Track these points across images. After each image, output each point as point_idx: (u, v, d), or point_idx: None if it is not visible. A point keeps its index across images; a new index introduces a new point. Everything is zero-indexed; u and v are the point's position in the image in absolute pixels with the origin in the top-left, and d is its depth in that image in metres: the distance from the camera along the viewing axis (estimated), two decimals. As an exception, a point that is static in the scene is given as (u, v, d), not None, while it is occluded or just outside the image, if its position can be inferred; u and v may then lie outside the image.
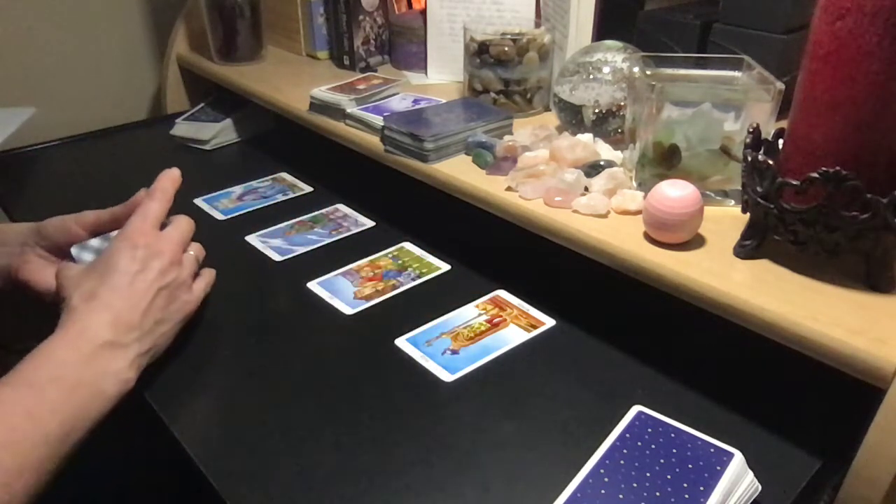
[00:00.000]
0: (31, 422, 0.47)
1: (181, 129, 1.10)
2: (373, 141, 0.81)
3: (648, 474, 0.48)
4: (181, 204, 0.89)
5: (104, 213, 0.64)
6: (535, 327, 0.66)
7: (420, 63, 1.03)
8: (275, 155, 1.06)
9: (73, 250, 0.62)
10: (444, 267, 0.76)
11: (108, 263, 0.57)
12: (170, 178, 0.64)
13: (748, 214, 0.56)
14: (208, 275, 0.65)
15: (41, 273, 0.64)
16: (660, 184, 0.58)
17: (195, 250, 0.64)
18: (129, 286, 0.55)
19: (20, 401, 0.47)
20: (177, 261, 0.60)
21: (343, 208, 0.89)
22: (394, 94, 0.92)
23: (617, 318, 0.67)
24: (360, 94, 0.87)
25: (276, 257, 0.78)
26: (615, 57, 0.75)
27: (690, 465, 0.48)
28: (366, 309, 0.69)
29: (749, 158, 0.54)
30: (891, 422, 0.44)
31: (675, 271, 0.55)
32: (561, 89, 0.78)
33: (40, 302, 0.64)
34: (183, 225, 0.63)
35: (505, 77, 0.85)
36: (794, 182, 0.50)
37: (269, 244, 0.81)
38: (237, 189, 0.95)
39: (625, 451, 0.50)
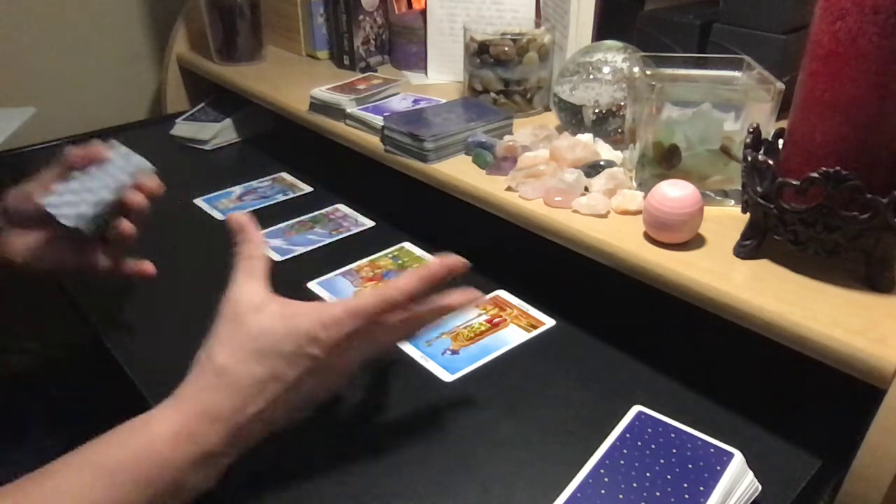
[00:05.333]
0: None
1: (181, 129, 1.10)
2: (373, 141, 0.81)
3: (648, 474, 0.48)
4: (181, 204, 0.90)
5: (59, 168, 0.60)
6: (535, 327, 0.66)
7: (420, 63, 1.03)
8: (275, 155, 1.06)
9: (44, 200, 0.58)
10: (444, 267, 0.76)
11: (274, 350, 0.45)
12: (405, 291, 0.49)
13: (748, 214, 0.56)
14: None
15: (20, 246, 0.60)
16: (660, 184, 0.58)
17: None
18: (273, 397, 0.45)
19: (93, 490, 0.41)
20: (343, 372, 0.49)
21: (343, 208, 0.89)
22: (394, 94, 0.92)
23: (617, 318, 0.67)
24: (360, 94, 0.87)
25: (276, 257, 0.78)
26: (615, 57, 0.75)
27: (690, 465, 0.48)
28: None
29: (749, 158, 0.54)
30: (891, 422, 0.44)
31: (675, 271, 0.55)
32: (561, 89, 0.78)
33: (48, 309, 0.62)
34: (391, 336, 0.51)
35: (505, 77, 0.85)
36: (794, 182, 0.50)
37: (269, 244, 0.81)
38: (237, 189, 0.95)
39: (625, 451, 0.50)
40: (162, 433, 0.43)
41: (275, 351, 0.45)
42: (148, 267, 0.62)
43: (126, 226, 0.60)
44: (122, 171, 0.61)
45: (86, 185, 0.60)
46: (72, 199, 0.58)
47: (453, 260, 0.51)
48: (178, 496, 0.43)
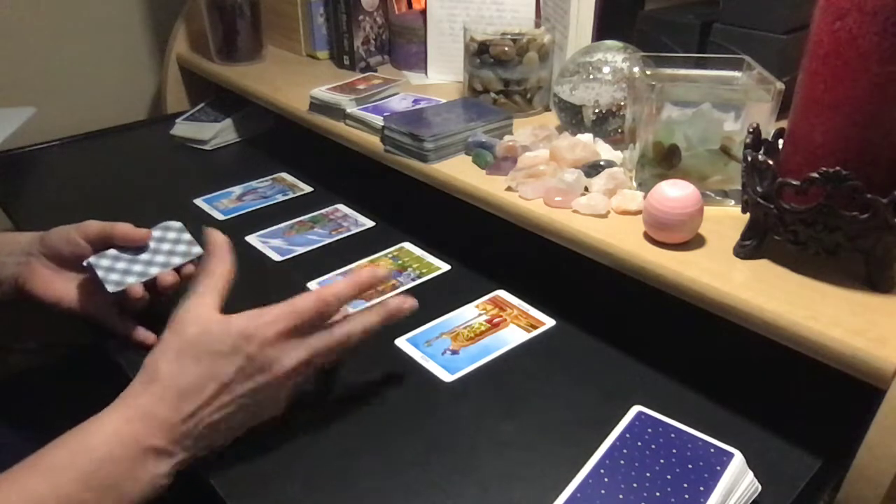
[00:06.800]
0: None
1: (181, 129, 1.10)
2: (373, 141, 0.81)
3: (648, 474, 0.48)
4: (181, 205, 0.90)
5: (107, 225, 0.63)
6: (535, 327, 0.66)
7: (420, 63, 1.03)
8: (275, 155, 1.06)
9: (92, 259, 0.62)
10: (444, 267, 0.76)
11: (209, 350, 0.49)
12: (366, 278, 0.55)
13: (748, 214, 0.56)
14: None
15: (48, 285, 0.63)
16: (660, 184, 0.58)
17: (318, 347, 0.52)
18: (211, 394, 0.48)
19: (35, 489, 0.44)
20: (282, 378, 0.50)
21: (343, 208, 0.89)
22: (394, 94, 0.92)
23: (617, 318, 0.67)
24: (360, 94, 0.87)
25: (276, 257, 0.78)
26: (615, 57, 0.75)
27: (690, 465, 0.48)
28: (366, 309, 0.69)
29: (749, 158, 0.54)
30: (891, 422, 0.44)
31: (675, 271, 0.55)
32: (561, 89, 0.78)
33: (47, 311, 0.63)
34: (327, 340, 0.52)
35: (505, 77, 0.85)
36: (794, 182, 0.50)
37: (269, 244, 0.81)
38: (237, 189, 0.95)
39: (625, 451, 0.50)
40: (101, 433, 0.46)
41: (210, 351, 0.49)
42: (150, 339, 0.63)
43: (144, 295, 0.62)
44: (175, 254, 0.65)
45: (138, 256, 0.64)
46: (122, 267, 0.62)
47: (382, 270, 0.57)
48: (129, 490, 0.46)
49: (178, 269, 0.64)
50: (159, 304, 0.64)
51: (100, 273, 0.61)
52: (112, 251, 0.63)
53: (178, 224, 0.67)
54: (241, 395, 0.49)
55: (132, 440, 0.46)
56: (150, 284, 0.63)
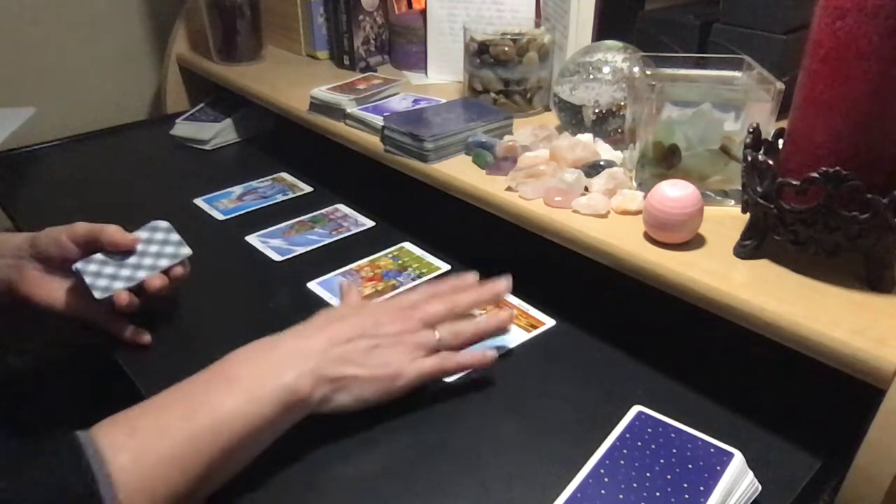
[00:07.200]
0: (184, 421, 0.46)
1: (181, 129, 1.10)
2: (373, 141, 0.81)
3: (648, 474, 0.48)
4: (181, 205, 0.90)
5: (95, 227, 0.63)
6: (535, 327, 0.66)
7: (420, 63, 1.03)
8: (275, 155, 1.06)
9: (79, 265, 0.61)
10: (444, 267, 0.76)
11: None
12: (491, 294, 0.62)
13: (748, 214, 0.56)
14: (445, 360, 0.56)
15: (39, 288, 0.63)
16: (660, 184, 0.58)
17: (448, 332, 0.57)
18: (338, 319, 0.55)
19: (181, 400, 0.48)
20: (397, 322, 0.56)
21: (343, 208, 0.89)
22: (394, 94, 0.92)
23: (617, 318, 0.67)
24: (360, 94, 0.87)
25: (276, 257, 0.78)
26: (615, 57, 0.75)
27: (690, 465, 0.48)
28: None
29: (749, 158, 0.54)
30: (891, 422, 0.44)
31: (675, 271, 0.55)
32: (561, 89, 0.78)
33: (42, 315, 0.63)
34: (438, 310, 0.58)
35: (505, 77, 0.85)
36: (794, 182, 0.50)
37: (269, 244, 0.81)
38: (237, 189, 0.95)
39: (625, 451, 0.50)
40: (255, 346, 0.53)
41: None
42: (144, 339, 0.64)
43: (132, 301, 0.62)
44: (163, 256, 0.64)
45: (126, 260, 0.63)
46: (109, 272, 0.62)
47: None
48: (257, 390, 0.49)
49: (166, 272, 0.63)
50: (152, 303, 0.64)
51: (87, 279, 0.61)
52: (99, 256, 0.62)
53: (165, 224, 0.66)
54: (360, 325, 0.55)
55: (273, 349, 0.52)
56: (139, 287, 0.62)
